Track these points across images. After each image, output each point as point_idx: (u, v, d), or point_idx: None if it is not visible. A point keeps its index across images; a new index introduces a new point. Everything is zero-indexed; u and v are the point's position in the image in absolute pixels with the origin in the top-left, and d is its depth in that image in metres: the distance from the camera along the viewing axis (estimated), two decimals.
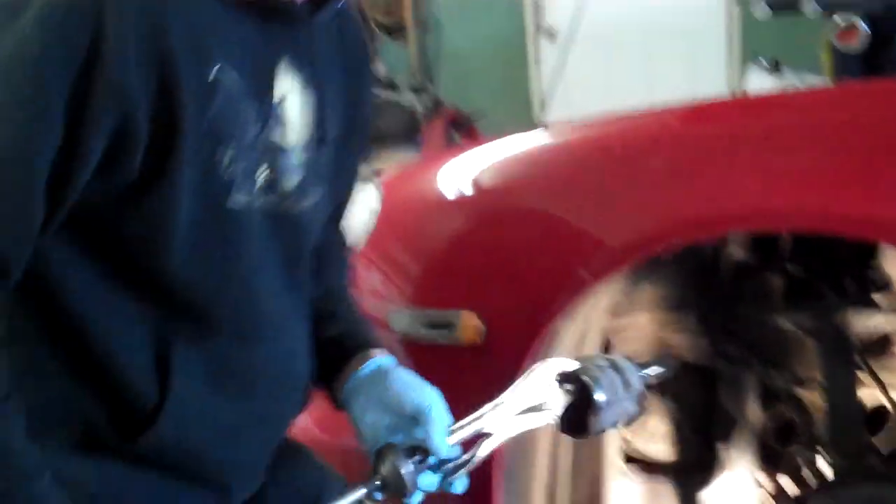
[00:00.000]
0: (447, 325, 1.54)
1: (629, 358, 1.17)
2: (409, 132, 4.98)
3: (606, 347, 1.62)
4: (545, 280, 1.42)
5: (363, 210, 1.87)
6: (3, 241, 0.97)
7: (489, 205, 1.69)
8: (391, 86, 5.09)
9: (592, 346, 1.56)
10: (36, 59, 0.94)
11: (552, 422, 1.10)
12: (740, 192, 1.41)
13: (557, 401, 1.10)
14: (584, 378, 1.10)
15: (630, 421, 1.15)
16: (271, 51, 1.10)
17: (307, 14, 1.11)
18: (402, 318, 1.60)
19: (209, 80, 1.03)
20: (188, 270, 1.08)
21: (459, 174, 1.79)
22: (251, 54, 1.08)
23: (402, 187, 1.94)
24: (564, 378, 1.11)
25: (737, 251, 1.61)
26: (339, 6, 1.15)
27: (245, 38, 1.08)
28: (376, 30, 5.21)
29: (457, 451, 1.09)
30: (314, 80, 1.13)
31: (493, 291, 1.50)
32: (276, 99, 1.10)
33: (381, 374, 1.19)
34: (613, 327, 1.61)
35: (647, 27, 4.80)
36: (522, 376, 1.10)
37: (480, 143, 4.77)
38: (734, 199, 1.41)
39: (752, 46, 4.17)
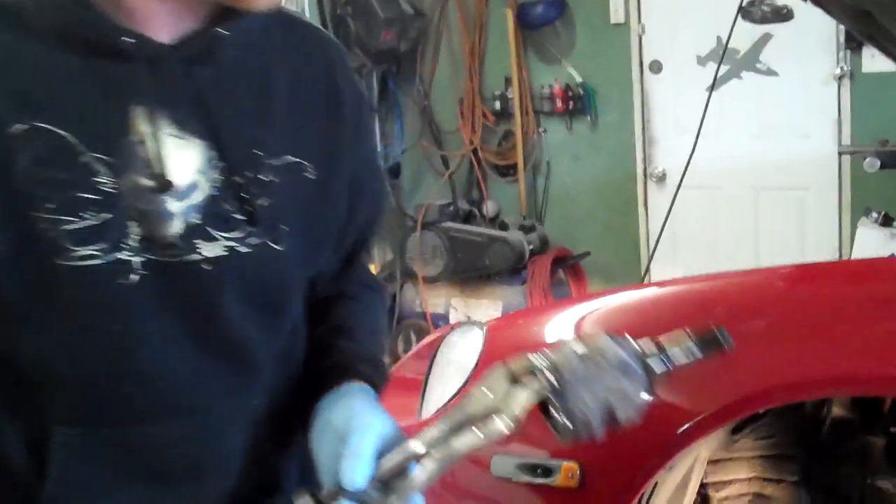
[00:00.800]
0: (547, 472, 1.55)
1: (632, 341, 1.03)
2: (515, 269, 5.04)
3: (705, 500, 1.62)
4: (646, 435, 1.43)
5: (468, 351, 1.91)
6: None
7: None
8: (501, 225, 5.18)
9: (691, 499, 1.56)
10: None
11: (505, 429, 0.96)
12: (844, 356, 1.41)
13: (514, 401, 0.97)
14: (533, 360, 0.98)
15: (631, 406, 1.01)
16: (122, 94, 1.00)
17: (185, 58, 1.03)
18: (504, 462, 1.60)
19: (7, 140, 0.96)
20: (43, 344, 1.01)
21: (563, 322, 1.82)
22: (84, 99, 1.00)
23: (507, 331, 1.98)
24: (516, 376, 0.99)
25: (839, 409, 1.61)
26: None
27: (77, 84, 1.00)
28: (488, 169, 5.32)
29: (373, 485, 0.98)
30: (204, 118, 1.04)
31: (594, 442, 1.53)
32: (134, 140, 1.00)
33: (342, 398, 1.10)
34: (713, 480, 1.62)
35: (756, 177, 4.81)
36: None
37: (585, 283, 4.80)
38: (838, 362, 1.42)
39: (863, 200, 4.15)
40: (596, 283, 5.15)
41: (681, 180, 4.45)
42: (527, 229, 5.11)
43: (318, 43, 1.21)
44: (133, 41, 0.99)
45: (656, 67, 4.94)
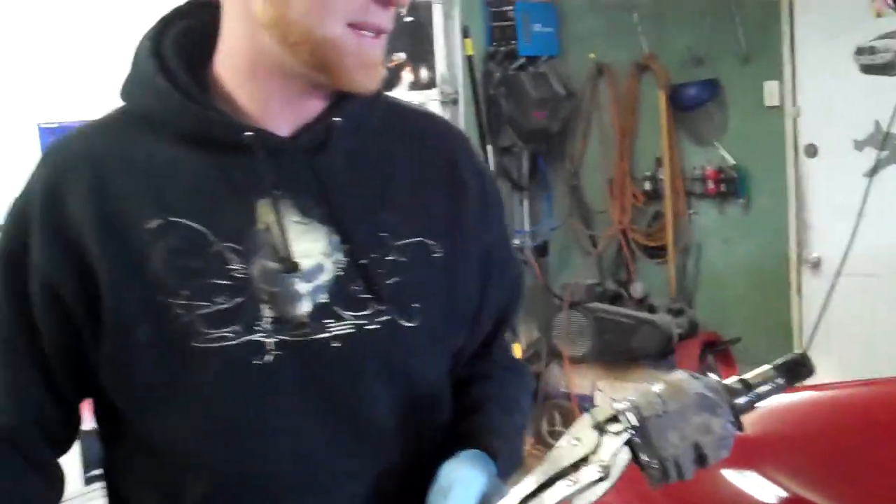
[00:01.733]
0: None
1: (712, 376, 1.03)
2: (662, 353, 4.96)
3: None
4: None
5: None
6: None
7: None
8: (649, 307, 5.11)
9: None
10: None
11: (596, 475, 0.95)
12: None
13: (601, 447, 0.97)
14: (617, 407, 0.97)
15: (718, 441, 0.99)
16: (247, 186, 1.07)
17: (303, 148, 1.10)
18: None
19: (145, 234, 1.05)
20: (178, 424, 1.07)
21: None
22: (213, 193, 1.07)
23: None
24: (601, 424, 0.98)
25: None
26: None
27: (206, 180, 1.07)
28: (636, 250, 5.28)
29: None
30: (325, 204, 1.09)
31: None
32: (261, 228, 1.07)
33: (455, 460, 1.12)
34: None
35: None
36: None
37: (735, 370, 4.69)
38: None
39: None
40: (746, 370, 4.96)
41: (839, 267, 4.34)
42: (675, 312, 5.03)
43: (440, 130, 1.28)
44: (254, 136, 1.07)
45: (811, 151, 4.84)
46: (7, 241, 1.13)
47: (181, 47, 1.15)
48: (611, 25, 5.22)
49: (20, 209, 1.12)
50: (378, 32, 1.09)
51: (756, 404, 1.04)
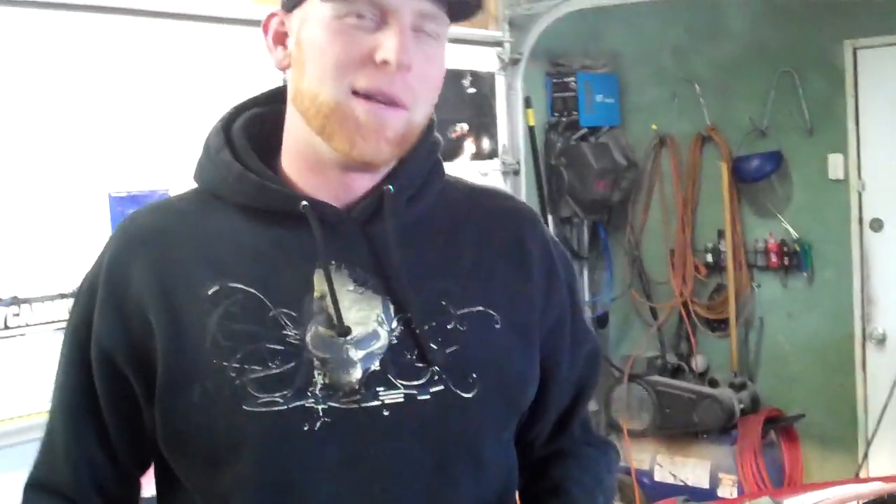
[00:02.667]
0: None
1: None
2: (724, 428, 4.88)
3: None
4: None
5: None
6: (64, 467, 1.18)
7: None
8: (710, 381, 5.04)
9: None
10: (68, 322, 1.20)
11: None
12: None
13: None
14: None
15: None
16: (303, 255, 1.10)
17: (357, 217, 1.12)
18: None
19: (203, 300, 1.08)
20: (229, 484, 1.08)
21: None
22: (271, 262, 1.11)
23: None
24: None
25: None
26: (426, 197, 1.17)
27: (264, 249, 1.11)
28: (698, 323, 5.22)
29: None
30: (380, 272, 1.12)
31: None
32: (316, 296, 1.09)
33: None
34: None
35: None
36: None
37: (798, 447, 4.59)
38: None
39: None
40: (809, 448, 4.91)
41: None
42: (737, 387, 4.96)
43: (507, 206, 1.29)
44: (309, 206, 1.10)
45: (877, 225, 4.78)
46: (76, 311, 1.19)
47: (249, 131, 1.20)
48: (673, 96, 5.23)
49: (90, 282, 1.18)
50: (389, 102, 1.09)
51: None
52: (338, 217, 1.13)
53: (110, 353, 1.13)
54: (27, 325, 2.79)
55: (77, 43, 2.94)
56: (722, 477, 4.81)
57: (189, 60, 3.19)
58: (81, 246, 2.90)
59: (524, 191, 4.74)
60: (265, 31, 1.18)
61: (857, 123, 4.79)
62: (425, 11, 1.09)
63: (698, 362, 5.18)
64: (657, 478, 5.00)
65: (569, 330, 1.28)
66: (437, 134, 1.25)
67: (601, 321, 5.44)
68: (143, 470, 1.24)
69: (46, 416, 1.24)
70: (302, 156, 1.16)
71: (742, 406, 4.88)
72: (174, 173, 3.11)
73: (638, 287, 5.44)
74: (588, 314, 5.31)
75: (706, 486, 4.84)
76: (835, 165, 4.83)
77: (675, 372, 5.21)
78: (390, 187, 1.14)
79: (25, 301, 2.79)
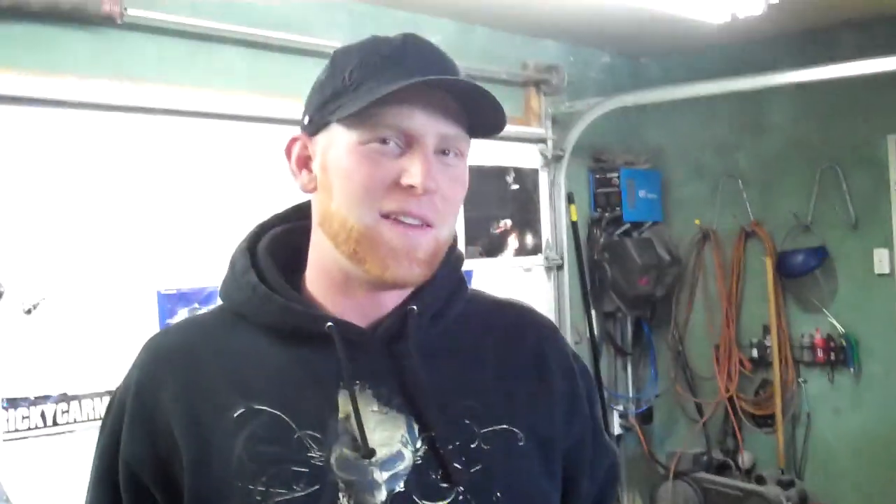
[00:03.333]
0: None
1: None
2: None
3: None
4: None
5: None
6: None
7: None
8: (757, 478, 4.97)
9: None
10: (98, 440, 1.22)
11: None
12: None
13: None
14: None
15: None
16: (328, 376, 1.11)
17: (381, 338, 1.13)
18: None
19: (230, 422, 1.09)
20: None
21: None
22: (296, 383, 1.11)
23: None
24: None
25: None
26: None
27: (289, 370, 1.12)
28: (744, 419, 5.16)
29: None
30: (405, 392, 1.11)
31: None
32: (341, 417, 1.09)
33: None
34: None
35: None
36: None
37: None
38: None
39: None
40: None
41: None
42: (785, 484, 4.87)
43: (527, 320, 1.30)
44: (334, 327, 1.12)
45: None
46: (105, 429, 1.20)
47: (274, 250, 1.22)
48: (716, 192, 5.26)
49: (118, 400, 1.20)
50: (422, 223, 1.11)
51: None
52: (362, 337, 1.14)
53: (137, 471, 1.14)
54: (75, 422, 2.84)
55: (130, 143, 3.04)
56: None
57: (235, 159, 3.26)
58: (129, 343, 2.96)
59: (567, 286, 4.77)
60: (288, 156, 1.20)
61: None
62: (447, 134, 1.11)
63: (745, 459, 5.11)
64: None
65: (590, 445, 1.29)
66: (459, 249, 1.27)
67: (646, 417, 5.39)
68: None
69: None
70: (329, 276, 1.17)
71: (790, 503, 4.78)
72: (221, 271, 3.17)
73: (682, 382, 5.40)
74: (632, 410, 5.28)
75: None
76: (880, 260, 4.81)
77: (721, 468, 5.14)
78: (414, 307, 1.15)
79: (74, 398, 2.83)
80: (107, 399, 2.87)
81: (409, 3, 4.06)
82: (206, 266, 3.14)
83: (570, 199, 4.81)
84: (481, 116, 1.13)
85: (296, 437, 1.09)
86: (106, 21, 3.00)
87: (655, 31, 4.71)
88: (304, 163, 1.18)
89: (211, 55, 3.38)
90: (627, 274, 5.01)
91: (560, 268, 4.73)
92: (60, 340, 2.83)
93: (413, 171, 1.08)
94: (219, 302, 1.25)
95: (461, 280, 1.25)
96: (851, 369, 4.91)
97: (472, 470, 1.12)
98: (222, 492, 1.09)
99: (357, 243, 1.10)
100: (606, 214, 5.12)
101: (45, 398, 2.78)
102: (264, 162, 3.29)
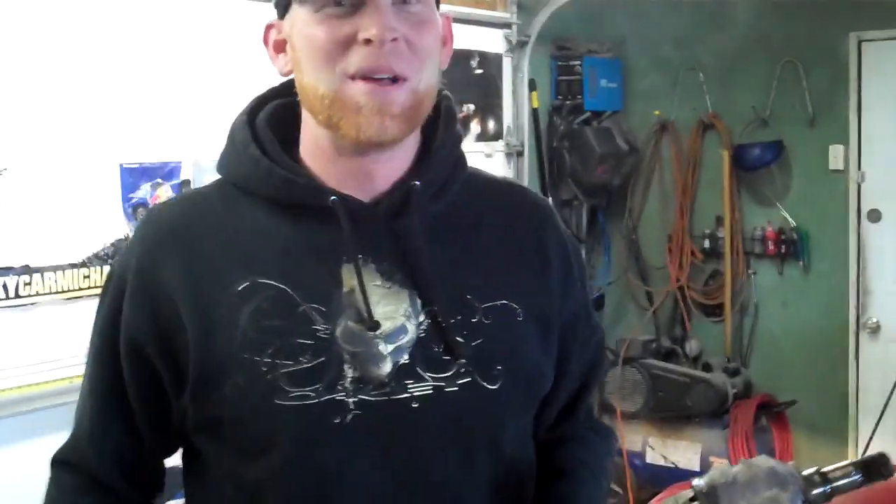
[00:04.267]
0: None
1: (789, 464, 1.08)
2: (716, 412, 4.93)
3: None
4: None
5: None
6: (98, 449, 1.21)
7: None
8: (704, 365, 5.09)
9: None
10: (96, 315, 1.23)
11: None
12: None
13: None
14: (694, 482, 1.05)
15: None
16: (332, 250, 1.12)
17: (382, 215, 1.14)
18: None
19: (234, 296, 1.11)
20: (263, 474, 1.11)
21: None
22: (300, 257, 1.13)
23: None
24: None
25: None
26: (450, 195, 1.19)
27: (293, 244, 1.14)
28: (693, 308, 5.26)
29: None
30: (407, 267, 1.13)
31: None
32: (345, 290, 1.11)
33: None
34: None
35: None
36: None
37: (789, 433, 4.62)
38: None
39: None
40: (799, 434, 4.97)
41: None
42: (731, 372, 5.01)
43: (526, 201, 1.32)
44: (338, 202, 1.12)
45: (875, 216, 4.82)
46: (105, 302, 1.21)
47: (274, 124, 1.22)
48: (676, 83, 5.26)
49: (118, 275, 1.20)
50: (393, 76, 1.10)
51: (831, 498, 1.06)
52: (365, 212, 1.15)
53: (140, 344, 1.15)
54: (38, 294, 2.82)
55: (94, 10, 2.95)
56: (713, 460, 4.85)
57: (199, 33, 3.19)
58: (91, 216, 2.93)
59: (527, 172, 4.77)
60: (265, 44, 1.21)
61: (858, 116, 4.82)
62: None
63: (692, 347, 5.23)
64: (648, 460, 5.05)
65: (581, 322, 1.32)
66: (459, 127, 1.27)
67: (597, 304, 5.46)
68: (169, 454, 1.28)
69: (56, 384, 1.28)
70: (318, 147, 1.17)
71: (735, 391, 4.92)
72: (185, 145, 3.13)
73: (634, 271, 5.48)
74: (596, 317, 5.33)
75: (697, 468, 4.89)
76: (835, 156, 4.87)
77: (669, 355, 5.26)
78: (417, 183, 1.16)
79: (37, 270, 2.81)
80: (69, 272, 2.86)
81: None
82: (168, 141, 3.10)
83: (531, 86, 4.78)
84: None
85: (301, 310, 1.10)
86: None
87: None
88: (281, 47, 1.19)
89: None
90: (585, 162, 5.03)
91: (520, 154, 4.73)
92: (22, 212, 2.79)
93: (367, 23, 1.08)
94: (215, 176, 1.25)
95: (461, 156, 1.26)
96: (801, 263, 5.01)
97: (474, 343, 1.14)
98: (228, 364, 1.10)
99: (329, 108, 1.10)
100: (567, 102, 5.11)
101: (7, 270, 2.75)
102: (229, 36, 3.22)
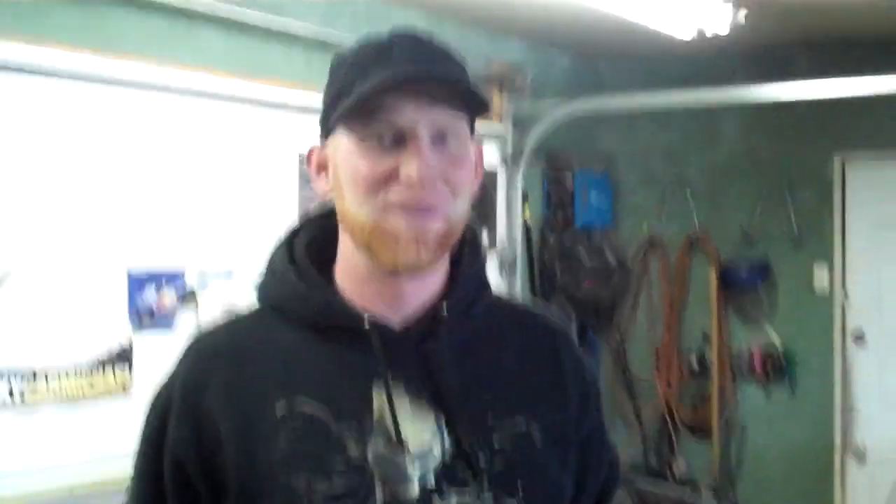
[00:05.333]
0: None
1: None
2: None
3: None
4: None
5: None
6: None
7: None
8: (691, 485, 5.06)
9: None
10: (141, 434, 1.23)
11: None
12: None
13: None
14: None
15: None
16: (364, 373, 1.16)
17: (413, 337, 1.18)
18: None
19: (272, 419, 1.14)
20: None
21: None
22: (333, 378, 1.17)
23: None
24: None
25: None
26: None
27: (327, 367, 1.18)
28: (680, 426, 5.25)
29: None
30: (433, 390, 1.17)
31: None
32: (375, 413, 1.14)
33: None
34: None
35: None
36: None
37: None
38: None
39: None
40: None
41: (885, 457, 4.29)
42: (718, 492, 4.98)
43: (543, 323, 1.36)
44: (371, 325, 1.17)
45: (859, 338, 4.86)
46: (150, 425, 1.23)
47: (310, 251, 1.26)
48: (664, 200, 5.33)
49: (163, 397, 1.23)
50: (426, 209, 1.15)
51: None
52: (395, 335, 1.19)
53: (183, 462, 1.17)
54: (42, 400, 2.77)
55: (107, 117, 2.96)
56: None
57: (206, 144, 3.21)
58: (97, 321, 2.90)
59: (518, 285, 4.78)
60: (308, 164, 1.26)
61: (843, 236, 4.91)
62: (440, 121, 1.15)
63: (680, 466, 5.20)
64: None
65: (596, 442, 1.35)
66: (483, 253, 1.32)
67: None
68: None
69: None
70: (354, 267, 1.21)
71: None
72: (190, 253, 3.12)
73: (622, 385, 5.46)
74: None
75: None
76: (820, 277, 4.93)
77: (656, 475, 5.22)
78: (445, 310, 1.21)
79: (41, 374, 2.76)
80: (74, 377, 2.82)
81: None
82: (175, 247, 3.09)
83: (524, 198, 4.82)
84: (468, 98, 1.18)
85: (335, 431, 1.14)
86: None
87: (617, 38, 4.76)
88: (322, 167, 1.24)
89: (190, 32, 3.34)
90: (575, 276, 5.05)
91: (513, 266, 4.75)
92: (27, 315, 2.75)
93: (408, 162, 1.13)
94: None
95: (485, 282, 1.31)
96: (787, 383, 5.03)
97: (495, 463, 1.18)
98: (266, 486, 1.13)
99: (370, 236, 1.15)
100: (558, 215, 5.16)
101: (12, 373, 2.70)
102: (239, 144, 3.24)
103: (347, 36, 3.80)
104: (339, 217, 1.21)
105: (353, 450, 1.13)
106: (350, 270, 1.22)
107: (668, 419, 5.26)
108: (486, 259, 1.33)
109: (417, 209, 1.14)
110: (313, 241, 1.28)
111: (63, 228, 2.85)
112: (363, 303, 1.20)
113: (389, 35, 1.19)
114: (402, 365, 1.17)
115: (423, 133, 1.14)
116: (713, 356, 5.15)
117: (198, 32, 3.37)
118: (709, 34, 3.99)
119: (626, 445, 5.32)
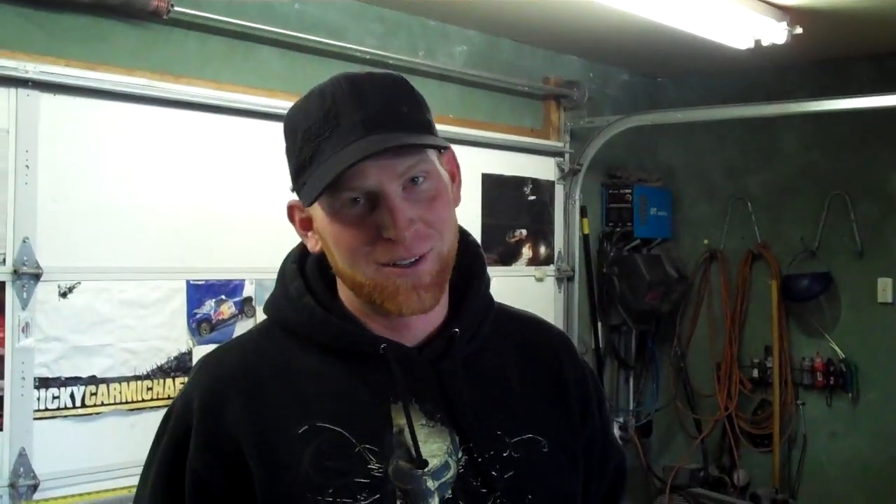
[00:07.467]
0: None
1: None
2: None
3: None
4: None
5: None
6: None
7: None
8: (752, 496, 5.05)
9: None
10: (157, 448, 1.27)
11: None
12: None
13: None
14: None
15: None
16: (382, 393, 1.20)
17: (428, 358, 1.23)
18: None
19: (295, 438, 1.17)
20: None
21: None
22: (353, 399, 1.20)
23: None
24: None
25: None
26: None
27: (346, 387, 1.21)
28: (741, 437, 5.25)
29: None
30: (448, 407, 1.21)
31: None
32: (395, 431, 1.19)
33: None
34: None
35: None
36: None
37: None
38: None
39: None
40: None
41: None
42: None
43: (545, 333, 1.42)
44: (388, 348, 1.22)
45: None
46: (165, 439, 1.27)
47: (320, 270, 1.29)
48: (725, 213, 5.35)
49: (181, 415, 1.26)
50: (417, 258, 1.19)
51: None
52: (411, 356, 1.24)
53: (207, 481, 1.21)
54: (102, 405, 2.91)
55: (169, 136, 3.11)
56: None
57: (268, 157, 3.33)
58: (157, 331, 3.04)
59: (577, 297, 4.85)
60: (291, 220, 1.29)
61: None
62: (403, 170, 1.17)
63: (740, 476, 5.20)
64: None
65: (599, 447, 1.40)
66: (488, 274, 1.37)
67: (645, 430, 5.47)
68: None
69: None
70: (361, 307, 1.26)
71: None
72: (248, 265, 3.25)
73: (682, 398, 5.48)
74: (632, 422, 5.35)
75: None
76: (884, 289, 4.90)
77: (717, 485, 5.22)
78: (457, 331, 1.26)
79: (103, 381, 2.90)
80: (133, 384, 2.96)
81: (438, 12, 4.14)
82: (233, 258, 3.22)
83: (582, 213, 4.89)
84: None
85: (356, 450, 1.18)
86: (152, 16, 3.07)
87: (674, 52, 4.80)
88: (308, 225, 1.26)
89: (248, 54, 3.47)
90: (635, 289, 5.09)
91: (571, 279, 4.82)
92: (92, 324, 2.90)
93: (386, 222, 1.16)
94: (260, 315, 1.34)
95: (490, 300, 1.36)
96: (850, 395, 5.00)
97: (506, 476, 1.23)
98: (293, 503, 1.17)
99: (371, 291, 1.20)
100: (617, 229, 5.21)
101: (76, 380, 2.85)
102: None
103: (405, 59, 3.93)
104: (334, 270, 1.24)
105: (375, 467, 1.18)
106: (356, 306, 1.26)
107: (728, 430, 5.26)
108: (490, 281, 1.36)
109: (409, 262, 1.18)
110: (321, 262, 1.29)
111: (127, 240, 3.00)
112: (372, 323, 1.25)
113: (331, 91, 1.19)
114: (418, 384, 1.23)
115: (392, 189, 1.17)
116: (775, 367, 5.13)
117: (257, 55, 3.50)
118: (765, 44, 4.01)
119: (685, 456, 5.34)
